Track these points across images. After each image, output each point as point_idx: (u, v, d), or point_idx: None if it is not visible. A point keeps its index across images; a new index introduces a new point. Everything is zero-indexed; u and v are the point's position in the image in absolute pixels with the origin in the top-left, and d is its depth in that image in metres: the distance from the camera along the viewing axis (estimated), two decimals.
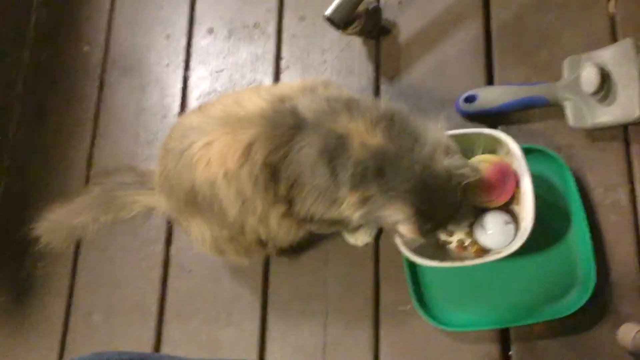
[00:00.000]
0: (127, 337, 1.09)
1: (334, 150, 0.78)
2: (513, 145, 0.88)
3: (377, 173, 0.77)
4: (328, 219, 0.86)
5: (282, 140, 0.79)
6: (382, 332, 0.97)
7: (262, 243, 0.91)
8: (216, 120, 0.83)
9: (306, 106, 0.80)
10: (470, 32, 1.07)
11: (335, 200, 0.80)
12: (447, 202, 0.81)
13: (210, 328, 1.05)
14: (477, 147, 0.90)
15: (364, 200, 0.79)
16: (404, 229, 0.81)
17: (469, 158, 0.89)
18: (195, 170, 0.83)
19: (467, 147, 0.89)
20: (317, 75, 1.13)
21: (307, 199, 0.82)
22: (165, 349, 1.06)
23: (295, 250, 1.02)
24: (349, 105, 0.80)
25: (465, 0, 1.09)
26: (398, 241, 0.90)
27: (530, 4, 1.05)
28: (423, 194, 0.78)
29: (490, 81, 1.04)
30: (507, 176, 0.88)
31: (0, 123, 1.29)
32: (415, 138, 0.79)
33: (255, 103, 0.82)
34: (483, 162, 0.88)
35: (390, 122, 0.79)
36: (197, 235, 0.92)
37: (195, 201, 0.85)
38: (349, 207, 0.80)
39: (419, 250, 0.90)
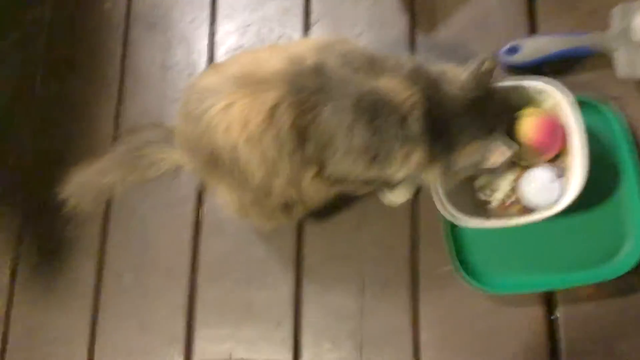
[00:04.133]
0: (159, 297, 1.08)
1: (375, 109, 0.76)
2: (561, 95, 0.83)
3: (434, 128, 0.77)
4: (365, 179, 0.84)
5: (309, 103, 0.77)
6: (421, 295, 0.94)
7: (287, 207, 0.89)
8: (233, 81, 0.80)
9: (329, 65, 0.77)
10: None
11: (382, 159, 0.79)
12: (494, 115, 0.82)
13: (243, 290, 1.03)
14: (522, 100, 0.86)
15: (433, 157, 0.79)
16: (493, 161, 0.80)
17: (514, 112, 0.85)
18: (214, 135, 0.80)
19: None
20: (327, 35, 1.09)
21: (342, 161, 0.80)
22: (199, 310, 1.05)
23: (328, 212, 0.99)
24: (373, 63, 0.78)
25: None
26: (437, 201, 0.87)
27: None
28: (474, 124, 0.79)
29: (533, 31, 0.98)
30: (555, 130, 0.84)
31: (26, 82, 1.27)
32: (440, 83, 0.79)
33: (273, 64, 0.79)
34: (528, 116, 0.84)
35: (420, 75, 0.78)
36: (223, 197, 0.91)
37: (215, 166, 0.83)
38: (411, 166, 0.79)
39: (459, 210, 0.87)
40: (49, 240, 1.18)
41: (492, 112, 0.81)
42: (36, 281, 1.18)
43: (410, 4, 1.06)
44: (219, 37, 1.18)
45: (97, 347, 1.09)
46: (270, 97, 0.77)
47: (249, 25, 1.16)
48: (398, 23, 1.06)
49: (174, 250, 1.09)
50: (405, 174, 0.82)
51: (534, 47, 0.94)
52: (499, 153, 0.79)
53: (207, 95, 0.80)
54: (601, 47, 0.91)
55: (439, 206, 0.87)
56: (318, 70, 0.78)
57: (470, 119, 0.79)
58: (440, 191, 0.87)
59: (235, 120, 0.78)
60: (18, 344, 1.15)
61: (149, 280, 1.09)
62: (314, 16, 1.12)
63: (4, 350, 1.15)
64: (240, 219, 0.98)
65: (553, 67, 0.94)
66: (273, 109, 0.77)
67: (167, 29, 1.22)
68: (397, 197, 0.97)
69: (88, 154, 1.13)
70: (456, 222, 0.87)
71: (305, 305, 1.00)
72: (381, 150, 0.78)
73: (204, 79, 0.86)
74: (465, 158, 0.80)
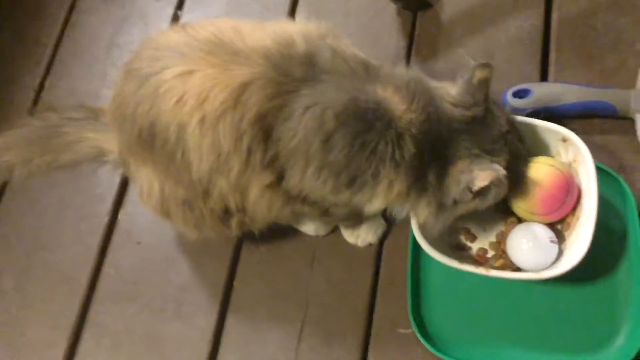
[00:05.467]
0: (41, 311, 0.87)
1: (367, 120, 0.63)
2: (587, 156, 0.71)
3: (430, 150, 0.65)
4: (330, 203, 0.69)
5: (287, 94, 0.63)
6: (370, 357, 0.77)
7: (223, 217, 0.73)
8: (204, 45, 0.65)
9: (320, 58, 0.64)
10: (527, 21, 0.92)
11: (359, 184, 0.65)
12: (493, 128, 0.69)
13: (152, 318, 0.83)
14: (536, 144, 0.74)
15: (421, 187, 0.67)
16: (478, 183, 0.66)
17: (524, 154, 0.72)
18: (160, 105, 0.65)
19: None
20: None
21: (308, 175, 0.65)
22: (87, 336, 0.83)
23: (276, 237, 0.82)
24: (368, 67, 0.66)
25: None
26: (415, 228, 0.73)
27: (601, 1, 0.90)
28: (464, 142, 0.66)
29: (543, 78, 0.88)
30: (571, 191, 0.71)
31: None
32: (439, 102, 0.67)
33: (258, 38, 0.65)
34: (545, 165, 0.71)
35: (417, 89, 0.66)
36: (143, 184, 0.73)
37: (151, 143, 0.67)
38: (390, 197, 0.67)
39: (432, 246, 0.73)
40: None
41: (488, 134, 0.68)
42: None
43: (410, 28, 0.95)
44: (183, 21, 1.03)
45: None
46: (242, 72, 0.63)
47: (223, 14, 1.02)
48: (393, 45, 0.95)
49: (75, 256, 0.89)
50: (381, 205, 0.68)
51: (545, 94, 0.82)
52: (485, 175, 0.65)
53: (165, 55, 0.65)
54: (624, 107, 0.81)
55: (416, 234, 0.73)
56: (308, 59, 0.65)
57: (460, 135, 0.67)
58: (414, 223, 0.73)
59: (193, 93, 0.64)
60: None
61: (34, 288, 0.89)
62: (298, 17, 0.99)
63: None
64: (167, 226, 0.78)
65: (563, 121, 0.82)
66: (242, 88, 0.63)
67: (126, 3, 1.07)
68: (363, 237, 0.81)
69: None
70: (432, 255, 0.72)
71: (224, 347, 0.80)
72: (362, 172, 0.65)
73: (166, 35, 0.70)
74: (452, 182, 0.66)
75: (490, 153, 0.67)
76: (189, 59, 0.64)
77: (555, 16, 0.91)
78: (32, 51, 1.05)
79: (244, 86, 0.63)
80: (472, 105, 0.68)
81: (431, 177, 0.67)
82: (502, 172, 0.66)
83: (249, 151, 0.64)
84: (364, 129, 0.63)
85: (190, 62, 0.64)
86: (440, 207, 0.68)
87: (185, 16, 1.04)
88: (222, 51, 0.64)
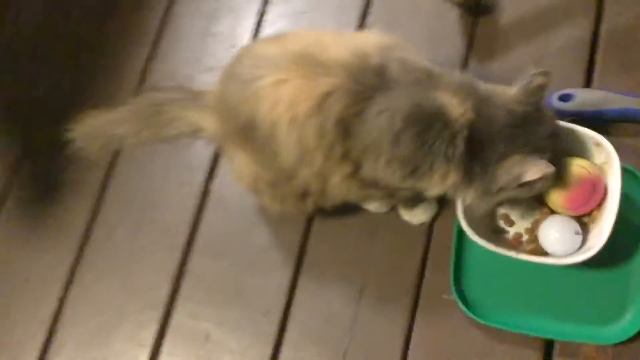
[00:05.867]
0: (148, 260, 1.03)
1: (429, 121, 0.74)
2: (616, 162, 0.82)
3: (476, 146, 0.75)
4: (396, 188, 0.82)
5: (363, 96, 0.75)
6: (418, 316, 0.92)
7: (301, 197, 0.87)
8: (294, 57, 0.77)
9: (390, 69, 0.76)
10: (577, 30, 1.01)
11: (420, 174, 0.77)
12: (543, 134, 0.80)
13: (237, 271, 1.00)
14: (571, 146, 0.86)
15: (470, 178, 0.78)
16: (530, 175, 0.77)
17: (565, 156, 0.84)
18: (259, 106, 0.78)
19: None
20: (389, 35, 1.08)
21: (381, 166, 0.78)
22: (186, 282, 1.01)
23: (342, 212, 0.96)
24: (431, 76, 0.77)
25: None
26: (459, 212, 0.86)
27: None
28: (515, 137, 0.77)
29: (587, 84, 0.98)
30: (597, 190, 0.83)
31: (63, 11, 1.23)
32: (490, 98, 0.78)
33: (338, 51, 0.77)
34: (579, 166, 0.83)
35: (471, 91, 0.77)
36: (239, 166, 0.88)
37: (250, 135, 0.81)
38: (446, 185, 0.78)
39: (475, 231, 0.86)
40: (45, 178, 1.14)
41: (539, 133, 0.79)
42: (23, 216, 1.13)
43: (471, 31, 1.05)
44: (269, 17, 1.16)
45: (69, 297, 1.04)
46: (326, 82, 0.75)
47: (304, 13, 1.15)
48: (454, 46, 1.05)
49: (175, 216, 1.05)
50: (439, 192, 0.81)
51: (587, 99, 0.93)
52: (537, 169, 0.76)
53: (263, 64, 0.78)
54: None
55: (459, 218, 0.86)
56: (380, 70, 0.76)
57: (514, 132, 0.77)
58: (459, 207, 0.86)
59: (284, 98, 0.76)
60: None
61: (142, 240, 1.05)
62: (370, 19, 1.11)
63: None
64: (251, 195, 0.94)
65: (601, 124, 0.93)
66: (325, 96, 0.75)
67: None
68: (417, 216, 0.95)
69: (106, 100, 1.09)
70: (471, 238, 0.85)
71: (297, 301, 0.96)
72: (422, 164, 0.77)
73: (263, 46, 0.84)
74: (504, 172, 0.77)
75: (539, 150, 0.78)
76: (282, 69, 0.77)
77: (603, 27, 1.00)
78: (137, 38, 1.19)
79: (327, 95, 0.75)
80: (526, 103, 0.78)
81: (477, 169, 0.77)
82: (552, 169, 0.76)
83: (330, 148, 0.77)
84: (425, 130, 0.75)
85: (283, 72, 0.76)
86: (486, 193, 0.79)
87: (270, 10, 1.17)
88: (308, 63, 0.76)
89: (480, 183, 0.79)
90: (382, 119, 0.75)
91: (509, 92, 0.79)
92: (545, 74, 0.78)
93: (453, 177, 0.78)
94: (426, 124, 0.75)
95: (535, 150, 0.78)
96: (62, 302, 1.04)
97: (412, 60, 0.79)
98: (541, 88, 0.78)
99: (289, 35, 0.83)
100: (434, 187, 0.80)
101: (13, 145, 1.17)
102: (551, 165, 0.76)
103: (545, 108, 0.81)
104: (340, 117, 0.75)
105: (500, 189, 0.79)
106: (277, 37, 0.84)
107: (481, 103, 0.77)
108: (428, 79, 0.77)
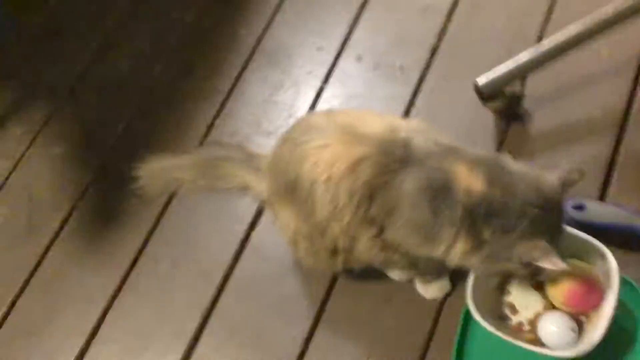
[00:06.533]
0: (184, 294, 1.15)
1: (438, 190, 0.83)
2: (614, 270, 0.90)
3: (488, 214, 0.82)
4: (413, 255, 0.91)
5: (389, 168, 0.85)
6: None
7: (332, 253, 0.96)
8: (337, 128, 0.89)
9: (417, 143, 0.87)
10: (598, 148, 1.11)
11: (431, 238, 0.85)
12: (559, 223, 0.86)
13: (261, 316, 1.10)
14: (580, 252, 0.94)
15: (480, 245, 0.84)
16: (547, 264, 0.82)
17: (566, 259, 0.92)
18: (303, 165, 0.89)
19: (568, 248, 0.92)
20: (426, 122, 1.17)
21: (400, 229, 0.87)
22: (213, 318, 1.11)
23: (365, 277, 1.06)
24: (453, 149, 0.87)
25: (604, 118, 1.14)
26: (468, 293, 0.93)
27: None
28: (545, 222, 0.83)
29: (601, 198, 1.07)
30: (593, 292, 0.91)
31: (147, 64, 1.41)
32: (516, 177, 0.84)
33: (375, 127, 0.89)
34: (578, 267, 0.91)
35: (491, 165, 0.84)
36: (283, 220, 0.99)
37: (293, 191, 0.92)
38: (457, 250, 0.85)
39: (481, 315, 0.93)
40: (108, 207, 1.28)
41: (560, 227, 0.86)
42: (82, 236, 1.26)
43: (502, 135, 1.17)
44: (325, 95, 1.30)
45: (109, 316, 1.16)
46: (359, 151, 0.86)
47: (356, 97, 1.28)
48: (486, 146, 1.16)
49: (214, 258, 1.17)
50: (453, 259, 0.87)
51: (598, 212, 1.02)
52: (552, 261, 0.81)
53: (311, 131, 0.91)
54: None
55: (467, 297, 0.93)
56: (406, 143, 0.86)
57: (543, 215, 0.82)
58: (469, 288, 0.93)
59: (324, 160, 0.87)
60: (41, 286, 1.22)
61: (181, 275, 1.17)
62: (414, 110, 1.24)
63: (26, 283, 1.22)
64: (285, 249, 1.05)
65: (607, 236, 1.00)
66: (358, 162, 0.86)
67: (285, 70, 1.35)
68: (431, 292, 1.04)
69: (173, 147, 1.26)
70: (476, 318, 0.92)
71: (311, 350, 1.05)
72: (433, 230, 0.84)
73: (314, 117, 0.98)
74: (523, 250, 0.83)
75: (555, 242, 0.84)
76: (327, 136, 0.88)
77: (622, 148, 1.10)
78: (209, 96, 1.33)
79: (360, 160, 0.85)
80: (558, 193, 0.84)
81: (487, 235, 0.83)
82: (564, 266, 0.81)
83: (358, 206, 0.87)
84: (435, 198, 0.83)
85: (327, 139, 0.88)
86: (491, 257, 0.85)
87: (328, 89, 1.32)
88: (348, 134, 0.88)
89: (491, 248, 0.84)
90: (404, 185, 0.85)
91: (545, 176, 0.85)
92: (582, 172, 0.86)
93: (461, 242, 0.84)
94: (437, 191, 0.83)
95: (554, 241, 0.84)
96: (101, 319, 1.16)
97: (436, 137, 0.89)
98: (574, 183, 0.85)
99: (339, 111, 0.96)
100: (447, 253, 0.86)
101: (87, 172, 1.32)
102: (564, 264, 0.82)
103: (564, 208, 0.88)
104: (368, 181, 0.85)
105: (509, 260, 0.85)
106: (329, 111, 0.98)
107: (502, 178, 0.83)
108: (451, 152, 0.86)
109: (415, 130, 0.90)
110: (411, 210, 0.85)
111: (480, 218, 0.82)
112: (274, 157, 0.98)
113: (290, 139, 0.94)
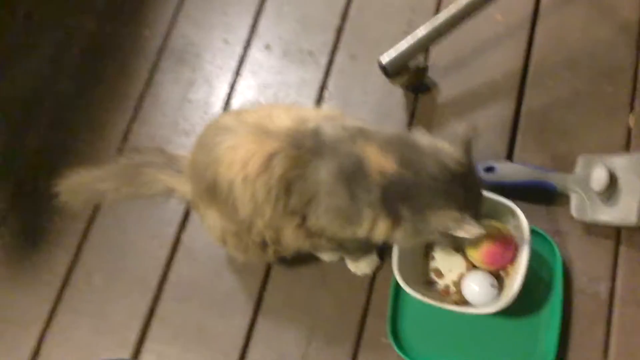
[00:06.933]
0: (121, 304, 1.15)
1: (352, 174, 0.85)
2: (525, 227, 0.96)
3: (403, 193, 0.85)
4: (338, 238, 0.94)
5: (301, 160, 0.87)
6: (359, 358, 1.04)
7: (262, 246, 0.99)
8: (248, 127, 0.90)
9: (326, 131, 0.88)
10: (501, 110, 1.17)
11: (353, 221, 0.88)
12: (476, 193, 0.90)
13: (202, 315, 1.12)
14: (492, 212, 0.99)
15: (397, 221, 0.86)
16: (460, 232, 0.85)
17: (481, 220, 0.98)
18: (219, 167, 0.90)
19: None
20: (336, 109, 1.19)
21: (321, 216, 0.90)
22: (154, 324, 1.12)
23: (296, 263, 1.09)
24: (361, 132, 0.88)
25: (504, 81, 1.19)
26: (394, 267, 0.98)
27: (560, 100, 1.16)
28: (453, 193, 0.85)
29: (509, 158, 1.14)
30: (508, 249, 0.97)
31: (53, 78, 1.37)
32: (422, 153, 0.86)
33: (283, 120, 0.90)
34: (492, 227, 0.97)
35: (400, 144, 0.87)
36: (209, 222, 1.00)
37: (214, 193, 0.93)
38: (379, 229, 0.87)
39: (409, 283, 0.99)
40: (31, 226, 1.25)
41: (474, 194, 0.89)
42: (8, 261, 1.23)
43: (412, 107, 1.21)
44: (239, 87, 1.31)
45: (48, 335, 1.15)
46: (271, 146, 0.87)
47: (269, 85, 1.30)
48: (399, 119, 1.21)
49: (147, 264, 1.17)
50: (378, 236, 0.90)
51: (507, 171, 1.08)
52: (468, 229, 0.85)
53: (222, 133, 0.91)
54: (562, 186, 1.06)
55: (394, 270, 0.98)
56: (315, 132, 0.87)
57: (450, 187, 0.85)
58: (395, 260, 0.98)
59: (238, 160, 0.88)
60: None
61: (117, 285, 1.17)
62: (327, 93, 1.27)
63: None
64: (218, 250, 1.07)
65: (518, 192, 1.08)
66: (270, 157, 0.87)
67: (196, 68, 1.34)
68: (362, 268, 1.08)
69: (91, 159, 1.24)
70: (404, 288, 0.98)
71: (254, 341, 1.08)
72: (353, 213, 0.87)
73: (224, 118, 0.98)
74: (438, 221, 0.85)
75: (472, 209, 0.87)
76: (237, 136, 0.89)
77: (524, 108, 1.16)
78: (121, 102, 1.31)
79: (272, 156, 0.86)
80: (464, 162, 0.87)
81: (405, 212, 0.85)
82: (482, 231, 0.85)
83: (277, 200, 0.88)
84: (349, 181, 0.84)
85: (238, 139, 0.89)
86: (413, 233, 0.88)
87: (241, 82, 1.32)
88: (259, 131, 0.88)
89: (409, 225, 0.87)
90: (318, 174, 0.86)
91: (447, 148, 0.87)
92: (474, 128, 0.88)
93: (382, 221, 0.87)
94: (352, 176, 0.85)
95: (469, 209, 0.87)
96: (40, 339, 1.15)
97: (346, 122, 0.91)
98: (470, 142, 0.88)
99: (247, 110, 0.97)
100: (370, 232, 0.89)
101: (5, 196, 1.28)
102: (482, 230, 0.86)
103: (478, 172, 0.93)
104: (282, 175, 0.87)
105: (428, 233, 0.88)
106: (237, 111, 0.98)
107: (411, 156, 0.86)
108: (361, 135, 0.87)
109: (324, 117, 0.92)
110: (329, 197, 0.87)
111: (396, 197, 0.85)
112: (191, 162, 0.99)
113: (204, 143, 0.95)
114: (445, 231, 0.86)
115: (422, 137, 0.89)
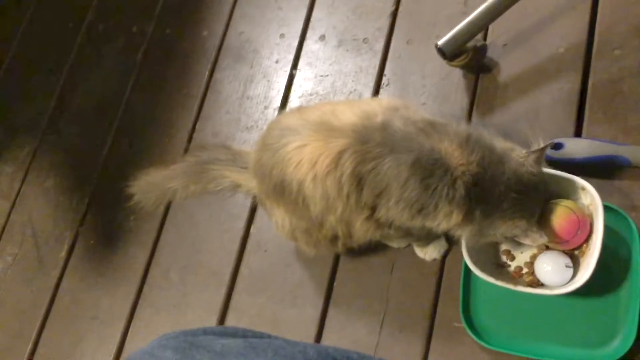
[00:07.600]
0: (197, 298, 1.19)
1: (430, 168, 0.86)
2: (598, 203, 0.94)
3: (479, 195, 0.87)
4: (407, 227, 0.94)
5: (371, 154, 0.87)
6: (433, 343, 1.04)
7: (333, 240, 1.00)
8: (312, 125, 0.91)
9: (395, 125, 0.88)
10: (566, 84, 1.13)
11: (426, 213, 0.88)
12: (540, 201, 0.93)
13: (274, 306, 1.14)
14: (562, 191, 0.98)
15: (469, 220, 0.88)
16: (525, 240, 0.92)
17: (553, 199, 0.96)
18: (286, 168, 0.91)
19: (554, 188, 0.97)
20: (396, 98, 1.19)
21: (392, 208, 0.90)
22: (230, 317, 1.16)
23: (365, 252, 1.10)
24: (435, 127, 0.88)
25: (568, 54, 1.15)
26: (464, 251, 0.98)
27: (629, 70, 1.11)
28: (524, 205, 0.89)
29: (578, 133, 1.10)
30: (582, 229, 0.95)
31: (119, 84, 1.43)
32: (500, 157, 0.88)
33: (348, 117, 0.91)
34: (565, 206, 0.95)
35: (479, 145, 0.87)
36: (278, 219, 1.02)
37: (282, 193, 0.94)
38: (450, 223, 0.89)
39: (480, 266, 0.98)
40: (109, 227, 1.32)
41: (538, 200, 0.92)
42: (89, 260, 1.31)
43: (473, 88, 1.19)
44: (297, 80, 1.32)
45: (131, 331, 1.21)
46: (339, 143, 0.88)
47: (326, 76, 1.30)
48: (459, 101, 1.19)
49: (220, 259, 1.21)
50: (445, 229, 0.92)
51: (576, 147, 1.05)
52: (534, 238, 0.91)
53: (287, 133, 0.92)
54: (636, 160, 1.02)
55: (465, 256, 0.98)
56: (384, 126, 0.88)
57: (521, 198, 0.88)
58: (464, 243, 0.98)
59: (306, 159, 0.89)
60: (61, 313, 1.27)
61: (192, 281, 1.21)
62: (385, 79, 1.26)
63: (47, 315, 1.27)
64: (287, 241, 1.09)
65: (589, 168, 1.05)
66: (339, 155, 0.88)
67: (254, 64, 1.36)
68: (430, 253, 1.08)
69: (160, 159, 1.29)
70: (475, 273, 0.97)
71: (327, 330, 1.10)
72: (428, 205, 0.88)
73: (287, 118, 0.98)
74: (505, 228, 0.90)
75: (536, 215, 0.91)
76: (303, 136, 0.90)
77: (591, 81, 1.12)
78: (185, 102, 1.36)
79: (341, 153, 0.87)
80: (537, 173, 0.90)
81: (477, 214, 0.88)
82: (545, 239, 0.91)
83: (348, 196, 0.90)
84: (427, 175, 0.86)
85: (304, 138, 0.90)
86: (481, 234, 0.92)
87: (298, 74, 1.33)
88: (324, 129, 0.90)
89: (478, 226, 0.90)
90: (391, 167, 0.87)
91: (519, 156, 0.90)
92: (551, 144, 0.92)
93: (456, 216, 0.89)
94: (429, 170, 0.86)
95: (533, 216, 0.91)
96: (124, 335, 1.21)
97: (415, 115, 0.92)
98: (543, 150, 0.91)
99: (309, 108, 0.97)
100: (440, 225, 0.90)
101: (82, 199, 1.36)
102: (544, 237, 0.91)
103: (547, 182, 0.93)
104: (353, 170, 0.88)
105: (493, 236, 0.92)
106: (299, 110, 0.99)
107: (491, 159, 0.88)
108: (432, 129, 0.88)
109: (388, 109, 0.92)
110: (401, 190, 0.87)
111: (473, 198, 0.87)
112: (256, 163, 1.00)
113: (268, 144, 0.95)
114: (510, 237, 0.90)
115: (497, 140, 0.91)
